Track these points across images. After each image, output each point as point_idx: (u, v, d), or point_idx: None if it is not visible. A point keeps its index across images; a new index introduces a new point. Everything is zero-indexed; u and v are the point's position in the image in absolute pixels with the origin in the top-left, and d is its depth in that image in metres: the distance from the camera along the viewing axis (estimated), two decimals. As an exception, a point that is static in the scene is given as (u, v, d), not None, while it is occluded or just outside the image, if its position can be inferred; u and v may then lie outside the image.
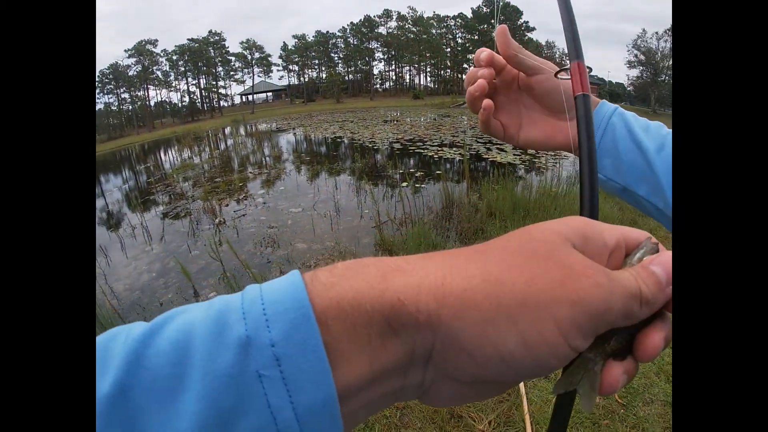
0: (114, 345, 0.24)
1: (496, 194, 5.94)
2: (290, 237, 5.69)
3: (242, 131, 29.24)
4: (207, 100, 71.92)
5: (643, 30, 52.99)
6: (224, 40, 68.60)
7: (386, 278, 0.25)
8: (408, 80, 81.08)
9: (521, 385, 2.53)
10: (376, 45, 75.93)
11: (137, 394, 0.21)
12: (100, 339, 0.25)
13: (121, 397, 0.21)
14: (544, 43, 61.81)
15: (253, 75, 73.44)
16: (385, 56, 77.33)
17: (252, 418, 0.21)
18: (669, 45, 49.75)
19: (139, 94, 66.12)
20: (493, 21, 69.63)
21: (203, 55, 66.83)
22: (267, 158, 14.41)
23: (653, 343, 0.28)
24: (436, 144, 13.60)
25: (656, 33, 51.62)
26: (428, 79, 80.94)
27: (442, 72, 79.43)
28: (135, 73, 65.42)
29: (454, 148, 12.75)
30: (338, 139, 18.10)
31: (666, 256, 0.29)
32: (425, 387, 0.27)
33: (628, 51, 52.23)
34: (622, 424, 2.49)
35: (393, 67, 79.63)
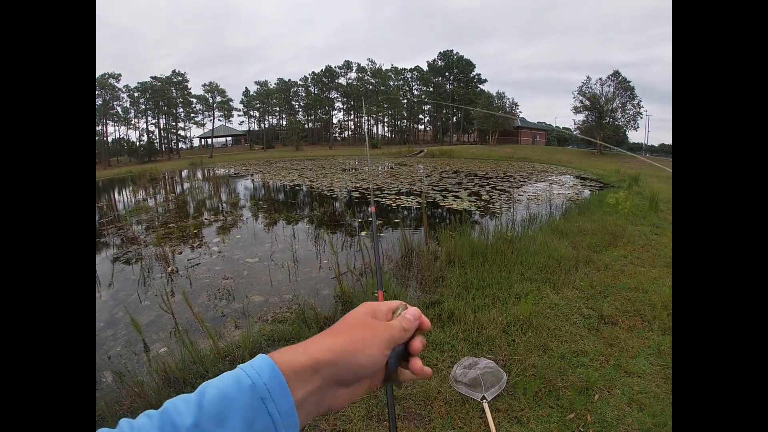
0: None
1: (454, 241, 6.10)
2: (246, 288, 5.58)
3: (200, 175, 28.82)
4: (165, 141, 70.37)
5: (588, 77, 56.13)
6: (187, 81, 67.97)
7: (308, 350, 0.50)
8: (366, 130, 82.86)
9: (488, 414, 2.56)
10: (336, 95, 77.51)
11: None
12: None
13: None
14: (495, 94, 64.79)
15: (214, 118, 72.85)
16: (345, 106, 78.96)
17: (260, 421, 0.44)
18: (612, 89, 52.33)
19: (97, 129, 64.22)
20: (447, 74, 73.51)
21: (165, 95, 65.73)
22: (224, 204, 14.23)
23: (415, 346, 0.60)
24: (393, 192, 13.90)
25: (600, 79, 54.44)
26: (386, 129, 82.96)
27: (399, 122, 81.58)
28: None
29: (412, 196, 13.03)
30: (297, 187, 18.17)
31: (411, 310, 0.62)
32: (329, 396, 0.51)
33: (574, 97, 54.75)
34: None
35: (352, 116, 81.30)
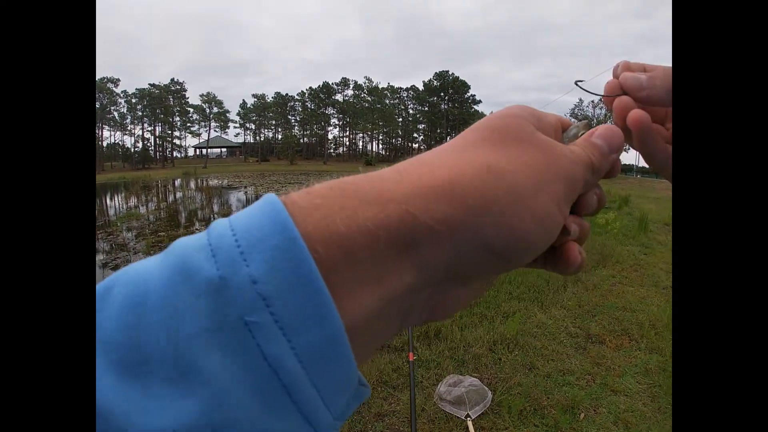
0: None
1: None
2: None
3: (192, 185, 28.74)
4: (160, 149, 70.36)
5: (580, 99, 57.19)
6: (185, 90, 68.30)
7: (383, 191, 0.22)
8: (361, 147, 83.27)
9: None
10: (332, 111, 78.08)
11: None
12: None
13: None
14: (489, 114, 65.41)
15: (210, 129, 73.02)
16: (341, 122, 79.52)
17: (246, 377, 0.17)
18: (604, 111, 53.29)
19: (93, 131, 64.01)
20: (443, 94, 74.29)
21: (162, 103, 65.93)
22: (215, 215, 14.17)
23: (589, 201, 0.32)
24: None
25: (592, 102, 55.71)
26: (380, 146, 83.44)
27: (393, 140, 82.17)
28: (93, 108, 63.58)
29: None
30: (290, 201, 18.10)
31: (603, 127, 0.33)
32: (432, 303, 0.26)
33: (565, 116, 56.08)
34: None
35: (347, 133, 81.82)
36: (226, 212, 14.54)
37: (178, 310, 0.17)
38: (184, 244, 0.20)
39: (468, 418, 2.83)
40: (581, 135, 0.33)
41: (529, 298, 5.20)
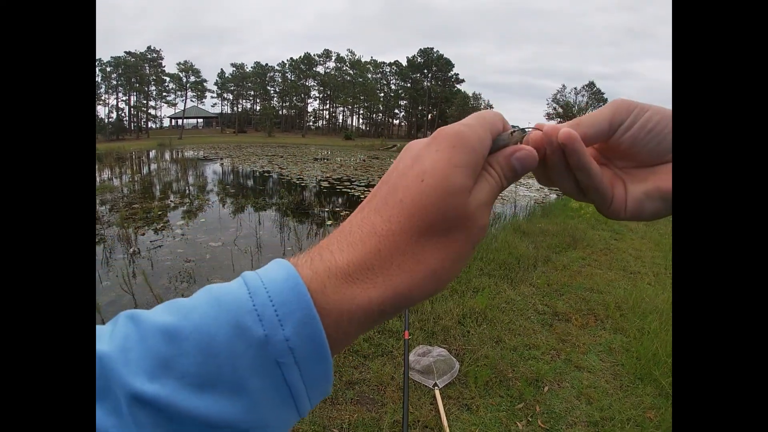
0: (122, 350, 0.28)
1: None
2: (208, 272, 5.52)
3: (167, 156, 28.10)
4: (135, 119, 68.13)
5: (563, 85, 57.55)
6: (162, 58, 66.02)
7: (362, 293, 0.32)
8: (341, 120, 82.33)
9: (444, 419, 2.62)
10: (312, 83, 76.77)
11: (170, 391, 0.26)
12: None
13: (155, 401, 0.26)
14: (471, 95, 65.59)
15: (186, 99, 70.90)
16: (321, 95, 78.32)
17: (273, 392, 0.29)
18: (586, 99, 53.70)
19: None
20: (426, 71, 73.71)
21: (138, 71, 63.69)
22: (190, 187, 13.95)
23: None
24: (363, 184, 13.89)
25: (574, 88, 56.07)
26: (360, 121, 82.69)
27: (374, 115, 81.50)
28: (64, 78, 60.66)
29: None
30: (266, 174, 17.95)
31: (524, 151, 0.38)
32: None
33: (548, 104, 56.17)
34: None
35: (327, 106, 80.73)
36: (202, 184, 14.36)
37: (237, 354, 0.28)
38: (234, 301, 0.30)
39: (435, 387, 2.93)
40: (511, 144, 0.38)
41: (500, 275, 5.33)
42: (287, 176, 16.43)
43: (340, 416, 2.65)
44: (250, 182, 16.22)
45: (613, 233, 9.04)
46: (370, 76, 76.60)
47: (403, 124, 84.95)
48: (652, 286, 5.77)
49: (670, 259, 7.53)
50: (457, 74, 77.01)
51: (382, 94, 79.03)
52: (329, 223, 8.21)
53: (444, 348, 3.44)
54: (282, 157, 25.98)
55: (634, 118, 0.38)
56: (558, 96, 55.41)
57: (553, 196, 16.83)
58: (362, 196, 11.73)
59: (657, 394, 3.29)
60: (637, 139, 0.39)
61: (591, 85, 54.73)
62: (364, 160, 25.73)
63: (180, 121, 74.61)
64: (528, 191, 17.79)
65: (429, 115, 78.37)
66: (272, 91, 77.45)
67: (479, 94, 66.69)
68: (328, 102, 79.61)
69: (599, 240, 8.07)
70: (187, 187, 13.94)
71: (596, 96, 54.51)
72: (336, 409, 2.71)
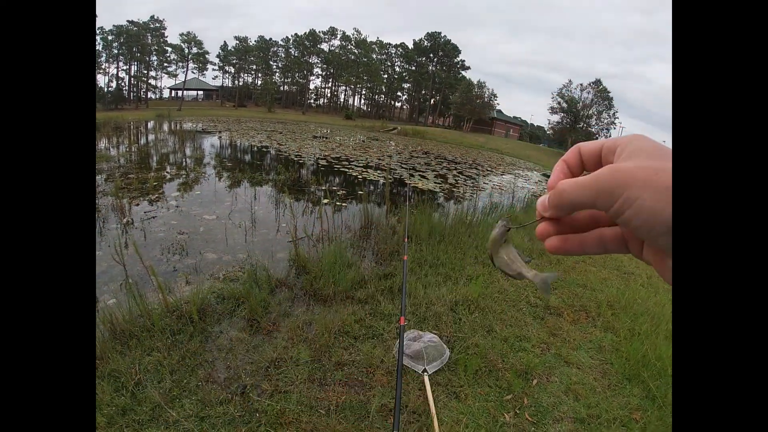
0: None
1: (414, 218, 6.15)
2: (201, 245, 5.46)
3: (166, 128, 27.81)
4: (135, 89, 67.07)
5: (569, 80, 57.18)
6: (165, 28, 64.59)
7: None
8: (342, 100, 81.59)
9: (432, 405, 2.60)
10: (316, 60, 75.78)
11: None
12: None
13: None
14: (476, 82, 65.00)
15: (187, 70, 69.65)
16: (324, 72, 77.43)
17: None
18: (591, 96, 53.48)
19: (65, 68, 60.34)
20: (432, 55, 72.93)
21: (140, 41, 62.52)
22: (187, 159, 13.80)
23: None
24: (361, 165, 13.81)
25: (580, 84, 55.72)
26: (362, 101, 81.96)
27: (376, 96, 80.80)
28: (65, 45, 59.78)
29: (379, 171, 12.99)
30: (264, 149, 17.78)
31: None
32: None
33: (552, 98, 55.80)
34: None
35: (329, 84, 79.92)
36: (199, 156, 14.20)
37: None
38: None
39: (425, 373, 2.91)
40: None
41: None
42: (285, 153, 16.29)
43: (327, 397, 2.63)
44: (247, 157, 16.05)
45: (610, 232, 9.05)
46: (374, 56, 75.59)
47: (405, 107, 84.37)
48: (644, 288, 5.78)
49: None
50: (463, 61, 76.36)
51: (386, 76, 78.15)
52: (325, 201, 8.13)
53: (435, 334, 3.43)
54: (281, 133, 25.72)
55: (619, 210, 0.36)
56: (563, 91, 55.04)
57: (551, 190, 16.81)
58: (360, 177, 11.66)
59: (644, 396, 3.29)
60: (624, 227, 0.40)
61: (597, 82, 54.32)
62: (364, 141, 25.57)
63: (180, 93, 73.57)
64: (526, 183, 17.77)
65: (432, 100, 77.87)
66: (275, 66, 76.35)
67: (484, 83, 65.99)
68: (330, 80, 78.70)
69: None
70: (184, 159, 13.79)
71: (602, 94, 54.19)
72: (324, 390, 2.69)
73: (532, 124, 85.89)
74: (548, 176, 0.53)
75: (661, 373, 3.51)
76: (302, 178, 10.92)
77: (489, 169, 20.99)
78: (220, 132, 25.36)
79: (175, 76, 70.42)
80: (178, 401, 2.45)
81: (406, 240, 3.77)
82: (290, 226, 5.60)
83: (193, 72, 71.62)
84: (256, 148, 18.08)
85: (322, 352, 3.04)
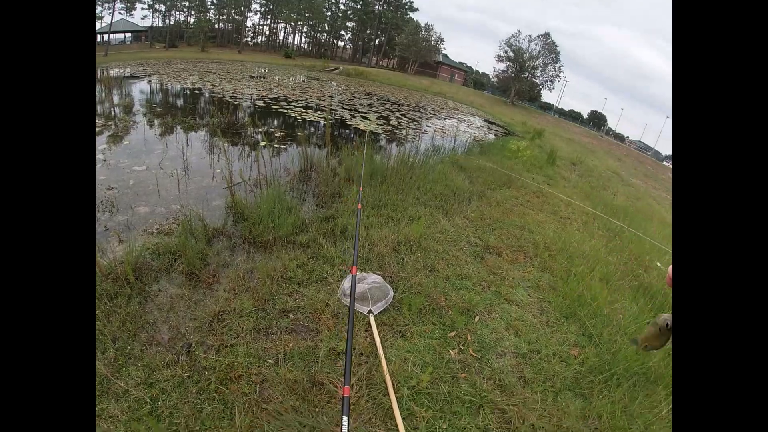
0: None
1: (355, 160, 6.04)
2: (131, 199, 5.07)
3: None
4: (54, 35, 60.41)
5: (518, 30, 57.08)
6: (87, -38, 58.10)
7: None
8: (282, 38, 77.50)
9: (379, 345, 2.63)
10: (253, -6, 70.94)
11: None
12: None
13: None
14: (423, 25, 63.77)
15: (114, 11, 63.38)
16: (262, 9, 72.79)
17: None
18: (538, 48, 53.86)
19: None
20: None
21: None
22: (115, 109, 12.75)
23: None
24: (301, 105, 13.28)
25: (529, 36, 55.96)
26: (303, 40, 78.19)
27: (318, 35, 77.36)
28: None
29: (319, 112, 12.59)
30: (197, 92, 16.70)
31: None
32: None
33: (500, 47, 55.67)
34: (479, 375, 2.71)
35: (268, 21, 75.42)
36: (127, 104, 13.11)
37: None
38: None
39: (370, 314, 2.93)
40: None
41: (435, 205, 5.41)
42: (219, 94, 15.38)
43: (275, 346, 2.58)
44: (179, 101, 15.00)
45: (547, 179, 9.36)
46: None
47: (348, 46, 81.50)
48: (580, 233, 6.06)
49: (598, 210, 7.94)
50: (412, 1, 73.91)
51: (329, 14, 74.62)
52: (262, 144, 7.77)
53: (379, 275, 3.44)
54: (215, 74, 24.11)
55: None
56: (512, 40, 54.92)
57: (492, 135, 17.07)
58: (299, 118, 11.24)
59: (581, 333, 3.49)
60: None
61: (546, 35, 54.37)
62: (304, 81, 24.58)
63: (106, 37, 67.04)
64: (468, 127, 17.90)
65: (377, 40, 75.54)
66: (209, 3, 70.84)
67: (431, 26, 64.69)
68: (269, 17, 74.20)
69: (533, 183, 8.33)
70: (111, 109, 12.72)
71: (550, 48, 54.54)
72: (270, 339, 2.64)
73: (477, 71, 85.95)
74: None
75: (596, 313, 3.72)
76: (238, 120, 10.34)
77: (432, 112, 20.91)
78: (149, 76, 23.48)
79: (101, 17, 63.82)
80: (124, 370, 2.32)
81: (361, 189, 3.69)
82: (225, 173, 5.28)
83: (120, 12, 65.06)
84: (188, 92, 16.95)
85: (266, 301, 2.96)
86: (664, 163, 67.11)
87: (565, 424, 2.50)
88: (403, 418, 2.22)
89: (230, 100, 13.88)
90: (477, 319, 3.30)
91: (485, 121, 24.02)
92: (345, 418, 1.65)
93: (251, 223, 3.94)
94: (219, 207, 4.74)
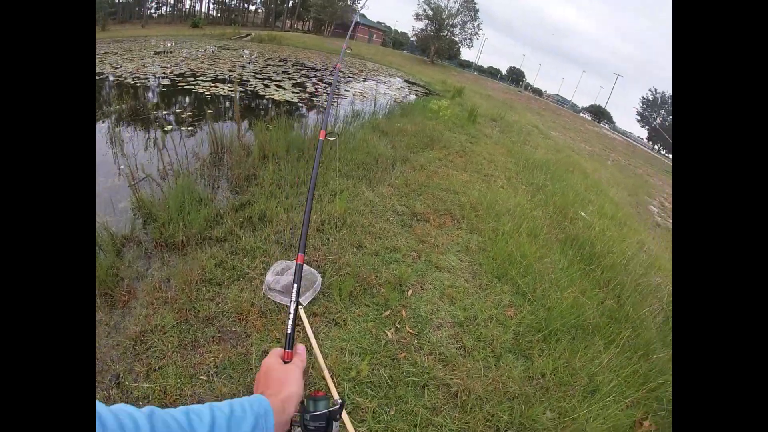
0: None
1: (269, 135, 5.70)
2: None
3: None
4: None
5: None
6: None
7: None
8: (189, 6, 72.11)
9: (313, 340, 2.48)
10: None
11: None
12: None
13: None
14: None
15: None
16: (162, -25, 66.96)
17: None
18: (457, 6, 54.09)
19: None
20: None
21: None
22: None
23: None
24: (209, 79, 12.34)
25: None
26: (211, 6, 73.20)
27: (227, 0, 72.78)
28: None
29: (230, 84, 11.82)
30: (98, 76, 15.22)
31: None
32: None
33: (419, 5, 55.51)
34: (419, 353, 2.67)
35: (170, -12, 69.66)
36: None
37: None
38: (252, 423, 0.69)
39: (300, 306, 2.80)
40: None
41: (358, 176, 5.24)
42: (121, 76, 14.09)
43: (204, 361, 2.35)
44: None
45: (469, 137, 9.45)
46: None
47: (260, 10, 77.34)
48: (504, 190, 6.19)
49: (521, 165, 8.14)
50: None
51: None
52: (168, 129, 6.97)
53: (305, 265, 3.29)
54: (116, 53, 21.94)
55: None
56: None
57: (413, 96, 16.98)
58: (208, 93, 10.41)
59: (514, 293, 3.56)
60: None
61: None
62: (213, 52, 23.02)
63: None
64: (388, 89, 17.70)
65: (290, 2, 72.34)
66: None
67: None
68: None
69: (455, 142, 8.38)
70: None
71: (468, 5, 55.02)
72: (199, 354, 2.39)
73: (396, 30, 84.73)
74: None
75: (527, 270, 3.81)
76: (140, 104, 9.42)
77: (351, 75, 20.43)
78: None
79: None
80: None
81: (313, 178, 3.39)
82: (132, 167, 4.64)
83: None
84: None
85: (188, 311, 2.65)
86: (581, 114, 70.71)
87: (510, 389, 2.55)
88: (348, 413, 2.15)
89: (132, 81, 12.75)
90: (410, 292, 3.27)
91: (406, 81, 23.83)
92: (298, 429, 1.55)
93: (161, 223, 3.50)
94: (126, 209, 4.07)
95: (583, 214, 6.07)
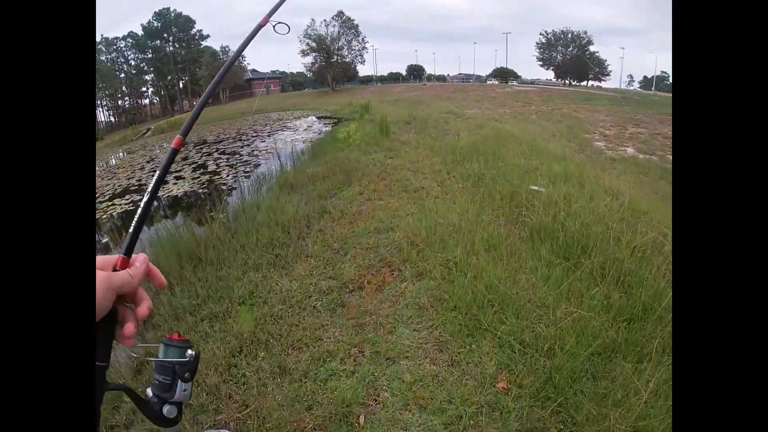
0: None
1: (159, 250, 4.59)
2: None
3: None
4: None
5: (312, 20, 56.92)
6: None
7: None
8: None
9: None
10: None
11: None
12: None
13: None
14: (219, 49, 61.31)
15: None
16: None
17: None
18: (337, 29, 54.84)
19: None
20: (166, 35, 64.71)
21: None
22: None
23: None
24: (108, 197, 10.81)
25: (324, 20, 56.69)
26: (106, 113, 70.65)
27: (120, 101, 70.69)
28: None
29: (128, 195, 10.47)
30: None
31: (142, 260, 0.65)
32: None
33: (300, 41, 55.82)
34: None
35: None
36: None
37: None
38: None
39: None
40: None
41: (268, 262, 4.06)
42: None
43: None
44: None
45: (387, 152, 8.66)
46: (103, 58, 64.69)
47: (154, 101, 75.55)
48: (441, 200, 5.26)
49: (449, 162, 7.29)
50: (200, 30, 70.13)
51: (123, 75, 68.71)
52: None
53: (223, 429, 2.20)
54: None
55: None
56: (309, 31, 55.20)
57: (328, 128, 16.17)
58: (104, 216, 9.06)
59: (497, 349, 2.59)
60: None
61: (340, 14, 55.91)
62: (115, 162, 21.29)
63: None
64: (295, 134, 16.81)
65: (180, 83, 71.08)
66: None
67: (227, 47, 62.88)
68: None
69: (374, 165, 7.52)
70: None
71: (347, 24, 56.06)
72: None
73: (291, 73, 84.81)
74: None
75: (502, 306, 2.91)
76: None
77: (254, 134, 19.45)
78: None
79: None
80: None
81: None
82: None
83: None
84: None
85: None
86: (488, 82, 72.38)
87: None
88: None
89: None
90: (362, 419, 2.24)
91: (315, 117, 23.20)
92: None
93: None
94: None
95: (535, 188, 5.16)
